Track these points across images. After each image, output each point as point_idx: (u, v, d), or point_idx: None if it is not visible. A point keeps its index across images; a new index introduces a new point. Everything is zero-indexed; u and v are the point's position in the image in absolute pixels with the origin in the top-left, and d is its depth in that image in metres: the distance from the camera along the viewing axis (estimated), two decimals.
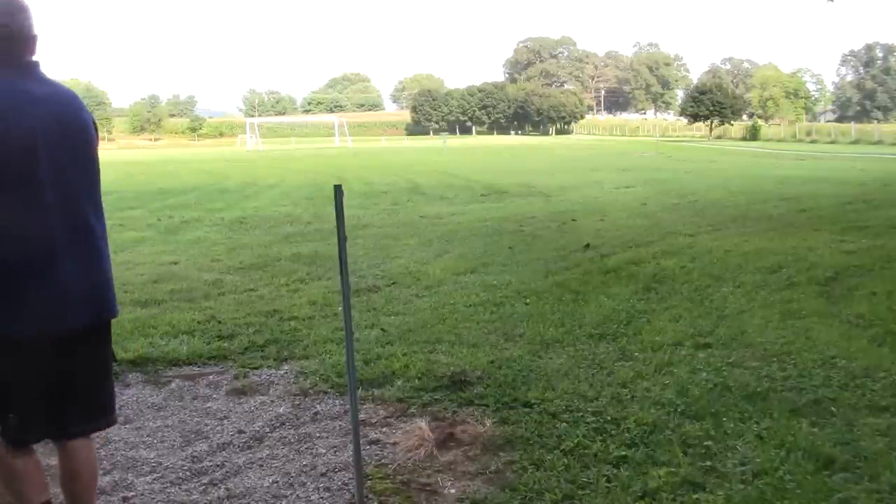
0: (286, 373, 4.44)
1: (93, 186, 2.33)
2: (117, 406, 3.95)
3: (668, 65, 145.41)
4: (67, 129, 2.23)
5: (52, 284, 2.15)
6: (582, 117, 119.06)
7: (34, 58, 2.25)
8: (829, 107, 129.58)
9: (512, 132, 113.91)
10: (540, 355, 4.52)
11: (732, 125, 73.19)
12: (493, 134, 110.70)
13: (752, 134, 64.54)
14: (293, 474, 3.16)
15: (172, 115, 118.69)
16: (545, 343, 4.77)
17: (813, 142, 53.73)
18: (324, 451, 3.38)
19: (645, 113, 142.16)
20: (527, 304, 5.83)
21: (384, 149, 53.80)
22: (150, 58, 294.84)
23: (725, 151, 41.14)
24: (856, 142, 51.08)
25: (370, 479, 3.04)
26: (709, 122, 73.35)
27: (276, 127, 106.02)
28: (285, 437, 3.55)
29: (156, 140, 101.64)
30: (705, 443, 3.21)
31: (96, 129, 2.40)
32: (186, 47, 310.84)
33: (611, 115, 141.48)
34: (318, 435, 3.56)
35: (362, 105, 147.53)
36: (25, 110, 2.09)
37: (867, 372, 3.99)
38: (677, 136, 73.90)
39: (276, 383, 4.28)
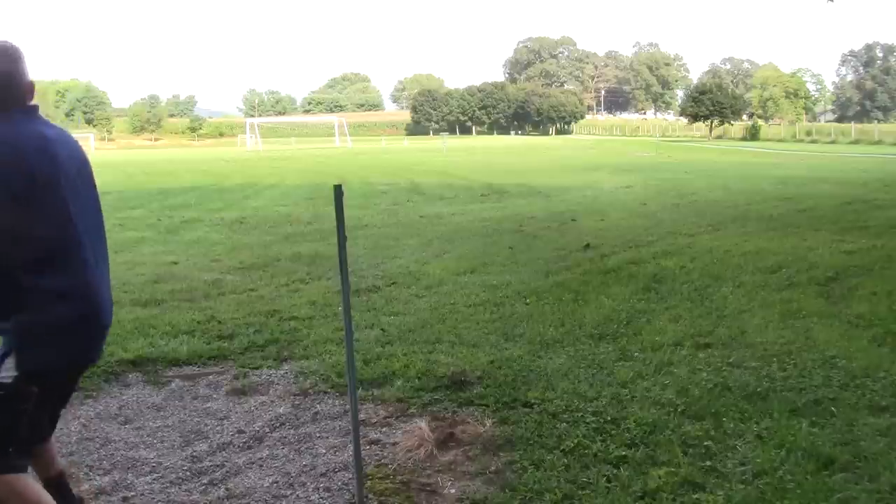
0: (286, 373, 4.44)
1: (102, 220, 2.50)
2: (118, 406, 4.00)
3: (668, 65, 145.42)
4: (81, 170, 2.39)
5: (98, 320, 2.34)
6: (582, 117, 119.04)
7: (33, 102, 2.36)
8: (829, 107, 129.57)
9: (512, 132, 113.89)
10: (540, 355, 4.52)
11: (732, 125, 73.18)
12: (493, 134, 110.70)
13: (752, 134, 64.56)
14: (293, 474, 3.16)
15: (172, 115, 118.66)
16: (545, 343, 4.77)
17: (813, 142, 53.74)
18: (324, 451, 3.38)
19: (645, 113, 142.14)
20: (527, 304, 5.83)
21: (384, 149, 53.80)
22: (150, 58, 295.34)
23: (725, 151, 41.13)
24: (856, 142, 51.09)
25: (370, 479, 3.04)
26: (709, 122, 73.33)
27: (276, 127, 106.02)
28: (285, 437, 3.55)
29: (156, 140, 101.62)
30: (705, 443, 3.22)
31: None
32: (186, 47, 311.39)
33: (611, 115, 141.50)
34: (318, 435, 3.56)
35: (362, 105, 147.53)
36: (46, 154, 2.22)
37: (867, 372, 3.99)
38: (677, 137, 73.86)
39: (276, 383, 4.28)
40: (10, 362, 2.15)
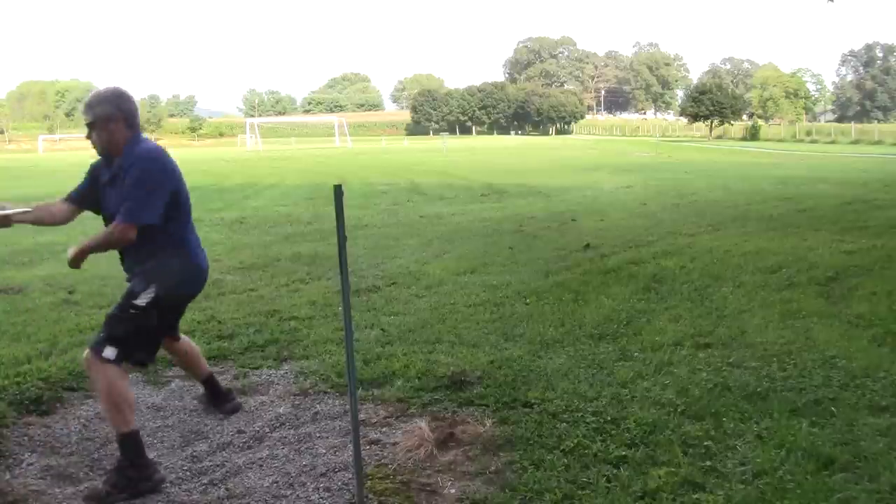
0: (286, 373, 4.44)
1: None
2: None
3: (668, 65, 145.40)
4: None
5: (203, 265, 3.45)
6: (582, 117, 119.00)
7: None
8: (829, 107, 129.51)
9: (512, 132, 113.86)
10: (540, 355, 4.52)
11: (732, 125, 73.17)
12: (493, 134, 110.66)
13: (752, 134, 64.57)
14: (293, 474, 3.16)
15: (172, 116, 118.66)
16: (545, 343, 4.77)
17: (813, 142, 53.76)
18: (324, 451, 3.38)
19: (645, 113, 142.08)
20: (527, 304, 5.83)
21: (384, 149, 53.80)
22: (150, 58, 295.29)
23: (725, 151, 41.13)
24: (856, 142, 51.10)
25: (370, 479, 3.04)
26: (709, 122, 73.32)
27: (276, 127, 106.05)
28: (285, 437, 3.55)
29: (156, 140, 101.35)
30: (705, 443, 3.21)
31: None
32: (186, 47, 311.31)
33: (611, 115, 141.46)
34: (318, 435, 3.56)
35: (362, 105, 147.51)
36: (172, 161, 3.28)
37: (867, 372, 3.99)
38: (677, 137, 73.86)
39: (276, 383, 4.28)
40: (144, 294, 3.15)
